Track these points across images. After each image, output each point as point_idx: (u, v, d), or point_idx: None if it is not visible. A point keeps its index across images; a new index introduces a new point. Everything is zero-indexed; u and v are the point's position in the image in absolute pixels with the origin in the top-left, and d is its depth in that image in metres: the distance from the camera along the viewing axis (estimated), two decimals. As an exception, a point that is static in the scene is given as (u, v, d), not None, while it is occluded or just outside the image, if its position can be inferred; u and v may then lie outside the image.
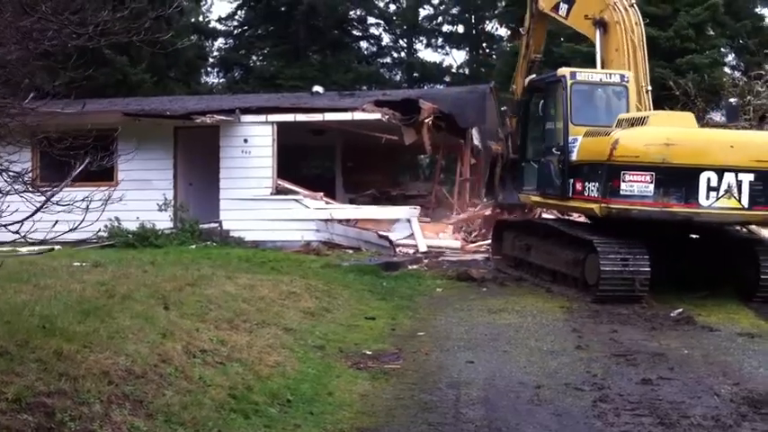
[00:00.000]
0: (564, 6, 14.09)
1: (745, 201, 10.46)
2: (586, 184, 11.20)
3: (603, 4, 13.18)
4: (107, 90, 24.20)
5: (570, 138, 11.83)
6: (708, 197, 10.42)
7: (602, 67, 13.08)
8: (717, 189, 10.42)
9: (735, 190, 10.43)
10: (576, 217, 13.82)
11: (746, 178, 10.44)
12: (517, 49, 32.81)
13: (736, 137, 11.52)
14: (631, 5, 13.11)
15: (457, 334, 8.96)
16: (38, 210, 4.76)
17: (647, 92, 12.78)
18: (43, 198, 4.88)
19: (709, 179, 10.41)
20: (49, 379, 5.05)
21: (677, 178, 10.45)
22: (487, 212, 18.40)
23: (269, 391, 6.23)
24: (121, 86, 26.16)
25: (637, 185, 10.44)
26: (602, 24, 13.20)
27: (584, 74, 12.66)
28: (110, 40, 5.33)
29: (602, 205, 10.76)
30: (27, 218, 4.84)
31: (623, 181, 10.46)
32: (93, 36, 5.06)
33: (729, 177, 10.42)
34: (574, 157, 11.66)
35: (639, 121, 11.12)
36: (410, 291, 12.05)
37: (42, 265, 10.22)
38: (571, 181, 11.68)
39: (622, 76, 12.44)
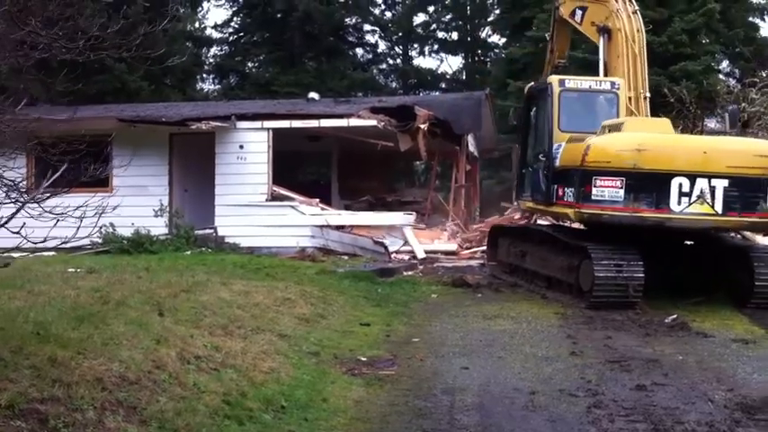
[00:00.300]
0: (579, 13, 14.24)
1: (719, 207, 10.47)
2: (566, 189, 11.33)
3: (608, 11, 13.29)
4: (106, 97, 24.22)
5: (556, 144, 11.96)
6: (680, 203, 10.46)
7: (605, 73, 13.15)
8: (689, 195, 10.45)
9: (708, 196, 10.43)
10: (569, 223, 13.86)
11: (720, 184, 10.45)
12: (512, 56, 33.20)
13: (710, 143, 11.61)
14: (634, 12, 13.22)
15: (452, 340, 8.97)
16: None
17: (644, 99, 12.82)
18: (37, 205, 4.88)
19: (680, 185, 10.44)
20: (42, 385, 5.04)
21: (648, 184, 10.52)
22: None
23: (263, 397, 6.23)
24: (120, 93, 26.17)
25: (608, 191, 10.53)
26: (606, 31, 13.34)
27: (573, 81, 12.80)
28: (100, 54, 5.33)
29: (576, 210, 10.92)
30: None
31: (594, 186, 10.56)
32: (84, 50, 5.07)
33: (702, 183, 10.44)
34: (557, 163, 11.77)
35: (616, 127, 11.28)
36: (405, 297, 12.06)
37: (37, 272, 10.22)
38: (555, 187, 11.80)
39: (613, 84, 12.56)
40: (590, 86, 12.69)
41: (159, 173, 19.14)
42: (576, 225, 12.21)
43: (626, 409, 6.28)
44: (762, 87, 23.16)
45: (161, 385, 5.80)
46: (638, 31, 13.09)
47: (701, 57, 25.87)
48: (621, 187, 10.48)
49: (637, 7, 13.40)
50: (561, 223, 14.16)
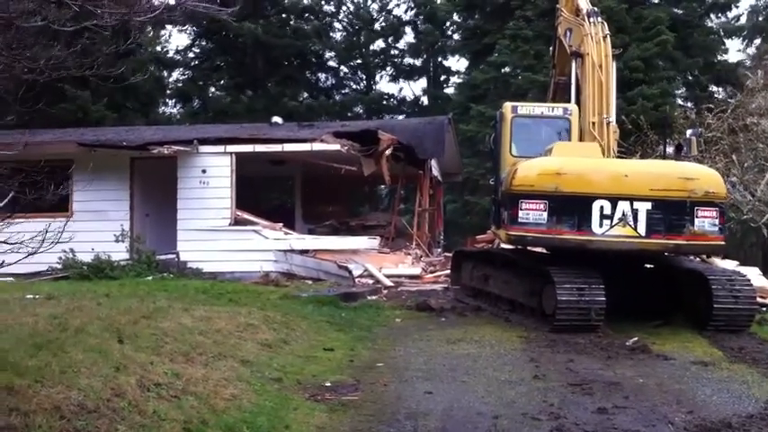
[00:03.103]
0: (569, 34, 14.50)
1: (642, 229, 10.62)
2: (504, 212, 11.51)
3: (581, 35, 13.51)
4: (67, 124, 23.96)
5: (507, 170, 12.13)
6: (601, 225, 10.63)
7: (577, 97, 13.38)
8: (610, 217, 10.63)
9: (630, 218, 10.60)
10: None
11: (643, 207, 10.62)
12: (474, 81, 33.55)
13: (632, 166, 11.85)
14: (605, 37, 13.39)
15: (415, 364, 8.95)
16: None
17: (607, 124, 12.98)
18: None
19: (602, 207, 10.62)
20: (-2, 415, 4.95)
21: (569, 206, 10.71)
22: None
23: (225, 424, 6.15)
24: (82, 122, 25.89)
25: (532, 213, 10.74)
26: (579, 55, 13.55)
27: (526, 107, 13.10)
28: (61, 74, 5.29)
29: (506, 232, 11.18)
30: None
31: (520, 209, 10.78)
32: (45, 70, 5.03)
33: (624, 206, 10.61)
34: (502, 187, 11.93)
35: (548, 152, 11.58)
36: (369, 321, 12.03)
37: (-7, 298, 10.04)
38: (501, 210, 11.96)
39: (565, 110, 12.84)
40: (542, 113, 13.02)
41: (120, 197, 18.97)
42: (538, 249, 12.31)
43: (588, 433, 6.32)
44: (717, 113, 23.63)
45: (120, 413, 5.71)
46: (605, 56, 13.24)
47: (656, 83, 26.42)
48: (545, 210, 10.71)
49: (608, 32, 13.57)
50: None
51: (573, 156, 11.57)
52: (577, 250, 10.85)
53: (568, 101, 13.70)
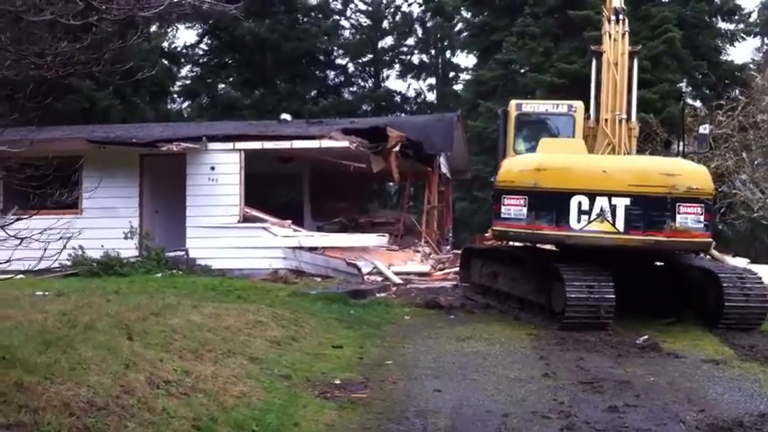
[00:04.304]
0: None
1: (620, 225, 10.59)
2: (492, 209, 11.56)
3: (602, 33, 13.50)
4: (75, 118, 24.01)
5: None
6: (579, 221, 10.63)
7: (596, 93, 13.30)
8: (588, 213, 10.62)
9: (608, 214, 10.57)
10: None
11: (621, 203, 10.58)
12: (482, 78, 33.48)
13: (611, 162, 11.76)
14: (623, 35, 13.32)
15: (424, 362, 8.93)
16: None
17: (620, 121, 12.92)
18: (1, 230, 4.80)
19: (580, 203, 10.63)
20: (8, 411, 4.95)
21: (548, 202, 10.77)
22: None
23: (234, 422, 6.14)
24: (89, 114, 25.95)
25: (513, 209, 10.88)
26: (597, 53, 13.51)
27: (530, 105, 13.09)
28: (69, 70, 5.28)
29: (492, 228, 11.31)
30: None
31: (503, 204, 10.94)
32: (53, 66, 5.01)
33: (602, 201, 10.60)
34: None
35: (534, 149, 11.68)
36: (378, 319, 12.01)
37: (3, 295, 10.05)
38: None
39: (570, 107, 12.83)
40: (546, 110, 13.01)
41: (129, 194, 19.01)
42: (547, 246, 12.27)
43: (598, 431, 6.28)
44: (728, 110, 23.52)
45: (129, 410, 5.70)
46: (622, 54, 13.19)
47: (660, 83, 26.25)
48: (524, 205, 10.81)
49: (627, 29, 13.47)
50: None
51: (557, 152, 11.60)
52: (557, 246, 10.91)
53: None
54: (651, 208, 10.62)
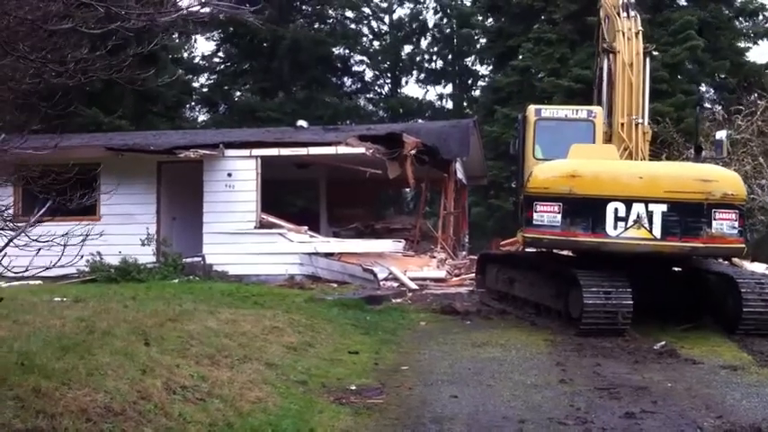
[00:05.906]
0: (607, 22, 14.30)
1: (657, 231, 10.53)
2: (522, 215, 11.47)
3: (614, 30, 13.38)
4: (91, 128, 24.15)
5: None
6: (615, 227, 10.57)
7: (608, 95, 13.24)
8: (625, 219, 10.56)
9: (645, 220, 10.52)
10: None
11: (658, 209, 10.53)
12: (498, 84, 33.45)
13: (647, 168, 11.65)
14: (637, 34, 13.20)
15: (440, 368, 8.92)
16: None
17: (636, 125, 12.85)
18: (22, 234, 4.85)
19: (616, 209, 10.56)
20: (26, 416, 4.98)
21: (583, 209, 10.68)
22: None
23: (250, 427, 6.16)
24: (106, 125, 26.02)
25: (546, 215, 10.75)
26: (611, 51, 13.38)
27: (549, 110, 13.00)
28: (90, 77, 5.33)
29: (522, 235, 11.15)
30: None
31: (535, 211, 10.80)
32: (74, 74, 5.06)
33: (639, 208, 10.54)
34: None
35: (566, 154, 11.53)
36: (394, 324, 12.00)
37: (22, 301, 10.13)
38: (522, 213, 11.93)
39: (589, 112, 12.73)
40: (566, 115, 12.89)
41: (147, 201, 19.13)
42: (564, 252, 12.23)
43: (615, 438, 6.26)
44: (746, 115, 23.35)
45: (146, 416, 5.73)
46: (636, 54, 13.09)
47: (676, 94, 26.04)
48: (559, 212, 10.71)
49: (641, 28, 13.35)
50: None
51: (589, 158, 11.51)
52: (592, 253, 10.79)
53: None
54: (687, 214, 10.59)
